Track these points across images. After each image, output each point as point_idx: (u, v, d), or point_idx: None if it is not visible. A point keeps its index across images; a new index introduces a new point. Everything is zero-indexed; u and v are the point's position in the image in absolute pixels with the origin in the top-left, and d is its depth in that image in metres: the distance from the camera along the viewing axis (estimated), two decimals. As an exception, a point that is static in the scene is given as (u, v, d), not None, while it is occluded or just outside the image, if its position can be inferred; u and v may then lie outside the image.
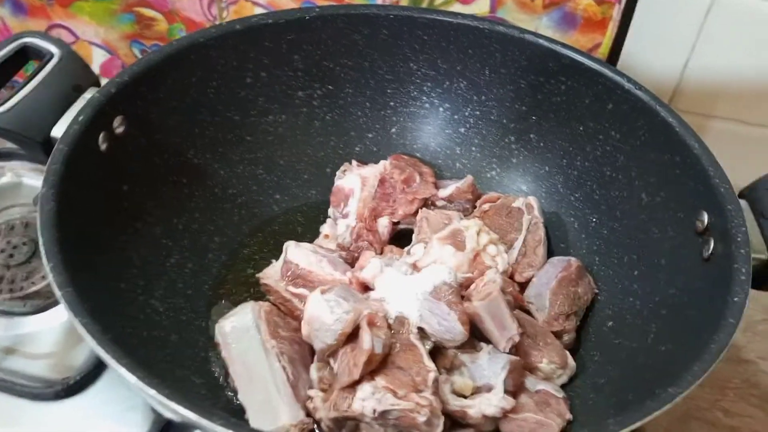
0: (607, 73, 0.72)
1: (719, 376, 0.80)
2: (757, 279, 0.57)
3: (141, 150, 0.69)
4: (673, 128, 0.66)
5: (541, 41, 0.75)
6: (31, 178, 0.89)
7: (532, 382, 0.64)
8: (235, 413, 0.63)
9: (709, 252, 0.60)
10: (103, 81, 0.68)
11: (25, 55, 0.69)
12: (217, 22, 0.95)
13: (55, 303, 0.76)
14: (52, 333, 0.74)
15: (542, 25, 0.87)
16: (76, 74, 0.67)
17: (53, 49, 0.67)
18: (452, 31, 0.78)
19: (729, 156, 0.68)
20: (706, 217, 0.61)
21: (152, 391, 0.44)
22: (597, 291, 0.72)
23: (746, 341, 0.84)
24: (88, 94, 0.66)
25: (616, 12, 0.84)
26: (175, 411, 0.43)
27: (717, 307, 0.53)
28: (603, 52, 0.87)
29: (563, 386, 0.66)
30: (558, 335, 0.69)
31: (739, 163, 0.78)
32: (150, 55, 0.70)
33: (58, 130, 0.62)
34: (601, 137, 0.74)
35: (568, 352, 0.68)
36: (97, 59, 1.02)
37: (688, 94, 0.90)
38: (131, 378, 0.45)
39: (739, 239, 0.56)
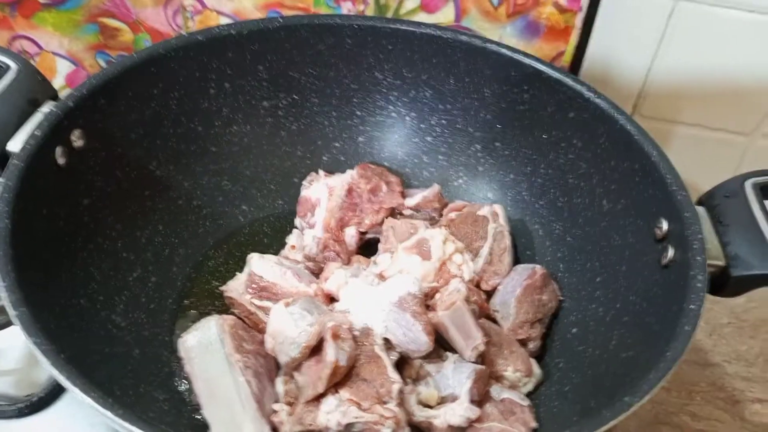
0: (567, 82, 0.72)
1: (686, 380, 0.81)
2: (715, 285, 0.58)
3: (101, 163, 0.68)
4: (632, 136, 0.67)
5: (503, 50, 0.76)
6: (-8, 191, 0.88)
7: (497, 391, 0.64)
8: (199, 429, 0.62)
9: (668, 259, 0.60)
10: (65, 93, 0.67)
11: (-20, 70, 0.68)
12: (183, 32, 0.94)
13: (17, 320, 0.74)
14: (15, 349, 0.73)
15: (506, 34, 0.87)
16: (32, 88, 0.66)
17: (9, 62, 0.66)
18: (416, 41, 0.79)
19: (693, 161, 0.70)
20: (665, 224, 0.62)
21: (107, 412, 0.43)
22: (562, 298, 0.73)
23: (712, 344, 0.85)
24: (45, 108, 0.65)
25: (578, 20, 0.85)
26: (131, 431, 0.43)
27: (674, 314, 0.54)
28: (566, 60, 0.88)
29: (528, 394, 0.66)
30: (523, 343, 0.69)
31: (703, 167, 0.79)
32: (109, 68, 0.69)
33: (13, 145, 0.61)
34: (563, 145, 0.75)
35: (533, 360, 0.68)
36: (61, 70, 1.01)
37: (652, 100, 0.91)
38: (85, 399, 0.44)
39: (695, 246, 0.57)
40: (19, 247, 0.54)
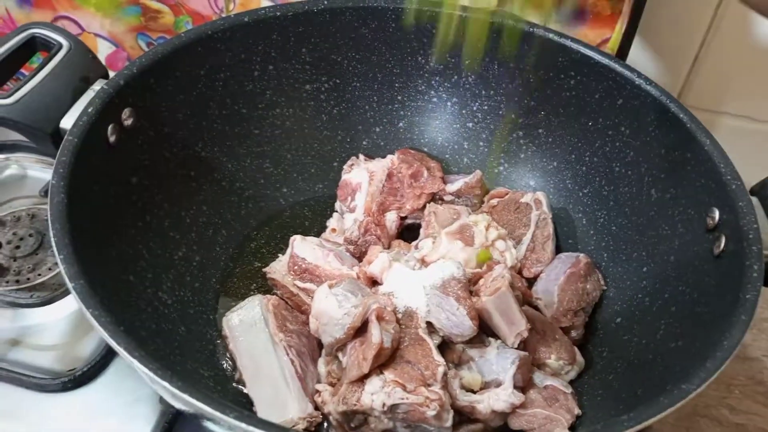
0: (617, 68, 0.71)
1: (725, 373, 0.78)
2: (768, 276, 0.57)
3: (150, 143, 0.69)
4: (684, 124, 0.66)
5: (550, 35, 0.75)
6: (36, 169, 0.89)
7: (540, 378, 0.64)
8: (242, 406, 0.63)
9: (720, 249, 0.59)
10: (110, 74, 0.68)
11: (32, 47, 0.69)
12: (224, 15, 0.94)
13: (62, 295, 0.75)
14: (58, 324, 0.74)
15: (551, 20, 0.86)
16: (84, 66, 0.67)
17: (61, 40, 0.67)
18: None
19: (738, 153, 0.68)
20: (717, 214, 0.61)
21: (165, 383, 0.44)
22: (605, 287, 0.72)
23: (752, 339, 0.84)
24: (96, 86, 0.66)
25: (626, 7, 0.83)
26: (189, 403, 0.43)
27: (728, 304, 0.53)
28: (612, 47, 0.87)
29: (571, 382, 0.66)
30: (566, 331, 0.69)
31: (747, 159, 0.77)
32: (158, 47, 0.69)
33: (67, 122, 0.62)
34: (610, 133, 0.74)
35: (576, 348, 0.68)
36: (102, 51, 1.01)
37: (697, 90, 0.90)
38: (144, 370, 0.45)
39: (751, 236, 0.56)
40: (74, 221, 0.55)
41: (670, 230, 0.67)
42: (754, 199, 0.61)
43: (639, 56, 0.88)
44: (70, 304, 0.75)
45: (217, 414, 0.42)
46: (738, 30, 0.84)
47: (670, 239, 0.66)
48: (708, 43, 0.86)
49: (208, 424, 0.48)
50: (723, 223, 0.60)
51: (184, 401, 0.44)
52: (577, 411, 0.62)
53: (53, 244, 0.52)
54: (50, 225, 0.53)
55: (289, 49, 0.79)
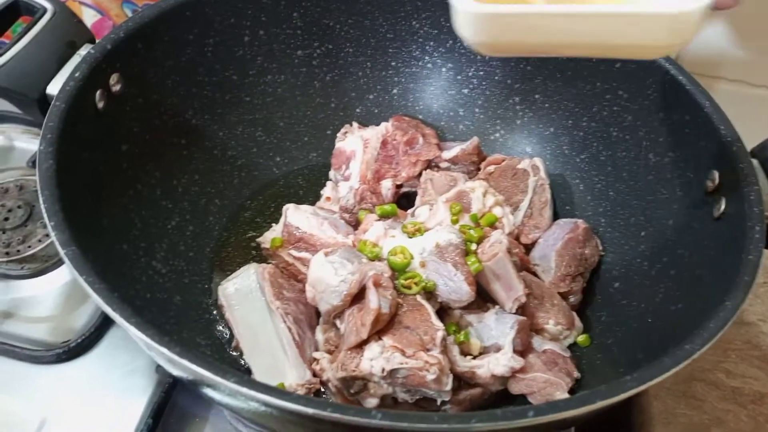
0: (615, 31, 0.70)
1: (722, 337, 0.80)
2: (769, 238, 0.56)
3: (138, 109, 0.67)
4: (683, 86, 0.65)
5: (547, -3, 0.73)
6: (23, 140, 0.87)
7: (538, 342, 0.64)
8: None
9: (720, 211, 0.59)
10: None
11: (16, 11, 0.66)
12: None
13: (54, 266, 0.74)
14: (50, 296, 0.73)
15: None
16: (70, 30, 0.65)
17: (45, 4, 0.65)
18: (456, -12, 0.76)
19: (734, 117, 0.68)
20: (717, 176, 0.61)
21: (163, 349, 0.43)
22: (603, 252, 0.72)
23: (749, 303, 0.83)
24: (83, 51, 0.64)
25: (623, -31, 0.82)
26: (188, 369, 0.43)
27: (730, 265, 0.53)
28: (608, 11, 0.85)
29: (569, 347, 0.66)
30: (564, 296, 0.68)
31: (743, 124, 0.77)
32: (145, 11, 0.68)
33: (53, 88, 0.60)
34: (608, 97, 0.73)
35: (574, 313, 0.68)
36: (87, 20, 0.99)
37: (693, 55, 0.89)
38: (142, 336, 0.44)
39: (752, 197, 0.56)
40: (64, 188, 0.53)
41: (668, 194, 0.66)
42: (755, 161, 0.61)
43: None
44: (62, 276, 0.74)
45: (218, 379, 0.41)
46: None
47: (669, 203, 0.66)
48: (705, 7, 0.84)
49: (207, 391, 0.48)
50: (723, 186, 0.60)
51: (182, 367, 0.43)
52: (576, 374, 0.62)
53: (43, 210, 0.51)
54: (39, 192, 0.51)
55: (280, 13, 0.77)
